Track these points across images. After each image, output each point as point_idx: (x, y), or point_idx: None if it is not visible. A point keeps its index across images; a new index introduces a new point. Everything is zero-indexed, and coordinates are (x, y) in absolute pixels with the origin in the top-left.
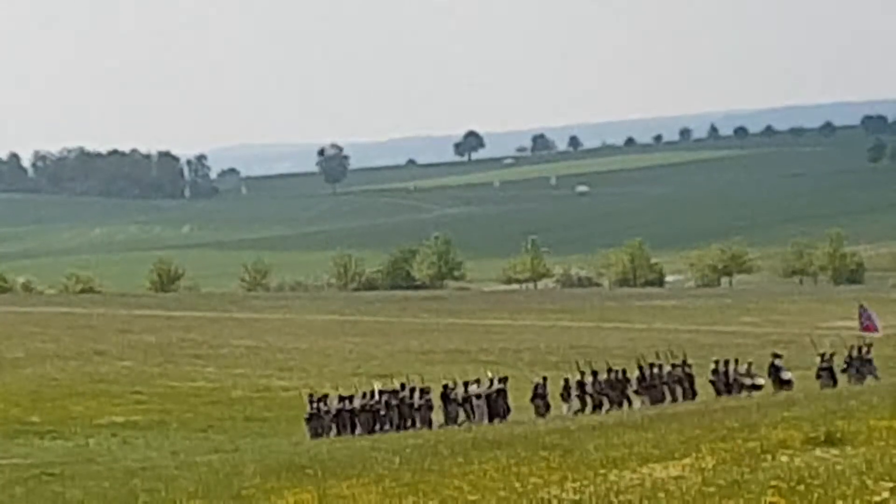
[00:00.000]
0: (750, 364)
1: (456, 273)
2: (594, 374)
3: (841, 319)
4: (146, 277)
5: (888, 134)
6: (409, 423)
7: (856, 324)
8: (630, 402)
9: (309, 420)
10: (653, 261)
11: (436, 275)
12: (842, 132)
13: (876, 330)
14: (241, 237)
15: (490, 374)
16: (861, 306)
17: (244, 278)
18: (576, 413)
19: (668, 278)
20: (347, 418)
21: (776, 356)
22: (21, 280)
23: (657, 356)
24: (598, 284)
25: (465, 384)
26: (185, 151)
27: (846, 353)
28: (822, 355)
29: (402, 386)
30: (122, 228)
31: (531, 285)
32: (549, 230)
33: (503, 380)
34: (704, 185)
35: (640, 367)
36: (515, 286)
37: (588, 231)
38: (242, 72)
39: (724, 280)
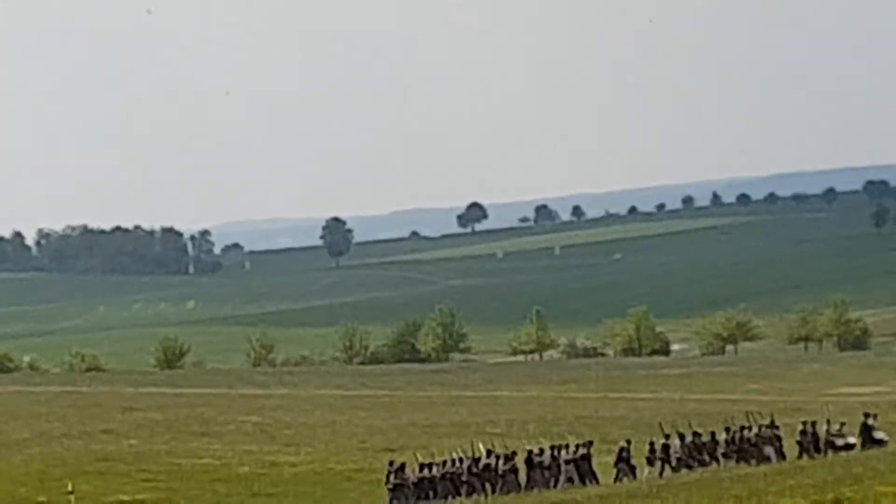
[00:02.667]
0: (842, 424)
1: (461, 345)
2: (681, 437)
3: (847, 386)
4: (151, 354)
5: (891, 199)
6: (493, 489)
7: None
8: (718, 464)
9: (393, 490)
10: (658, 330)
11: (441, 347)
12: (844, 198)
13: None
14: (246, 312)
15: (574, 440)
16: None
17: (249, 354)
18: (661, 475)
19: (674, 347)
20: (428, 486)
21: (868, 416)
22: (26, 359)
23: (746, 418)
24: (603, 354)
25: (552, 448)
26: (188, 227)
27: None
28: None
29: (489, 452)
30: (126, 306)
31: (536, 356)
32: (554, 301)
33: (588, 444)
34: (708, 253)
35: (729, 429)
36: (520, 357)
37: (592, 301)
38: (244, 147)
39: (730, 348)
